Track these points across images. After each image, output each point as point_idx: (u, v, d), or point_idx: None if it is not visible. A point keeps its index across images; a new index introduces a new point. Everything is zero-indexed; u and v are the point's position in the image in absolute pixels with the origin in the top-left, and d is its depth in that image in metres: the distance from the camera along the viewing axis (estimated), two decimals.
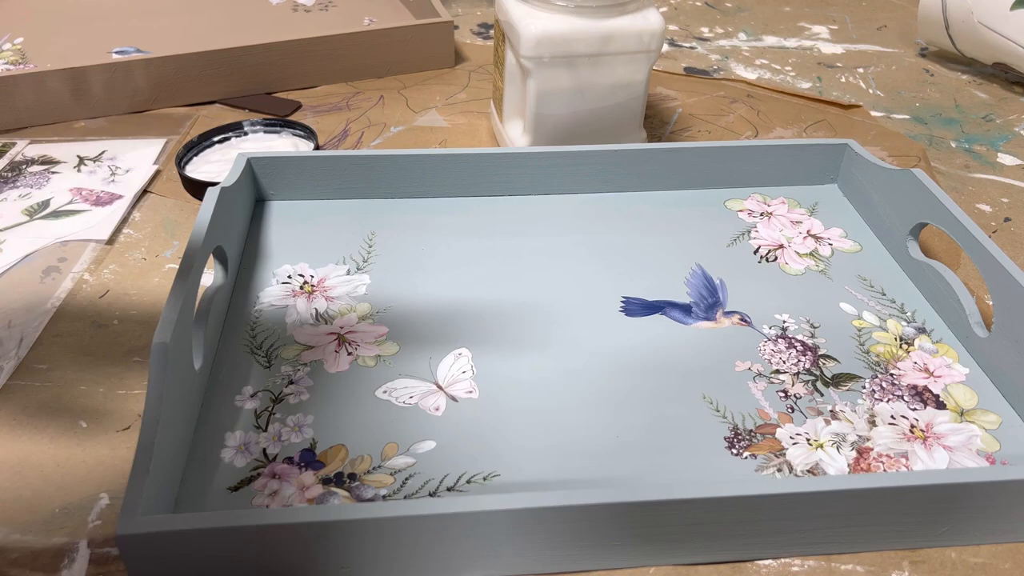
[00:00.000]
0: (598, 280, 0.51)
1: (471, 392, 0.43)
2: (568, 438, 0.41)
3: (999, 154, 0.67)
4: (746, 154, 0.59)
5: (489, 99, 0.72)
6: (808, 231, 0.56)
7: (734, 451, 0.40)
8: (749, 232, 0.56)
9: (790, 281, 0.52)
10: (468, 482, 0.38)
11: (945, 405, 0.43)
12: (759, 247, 0.54)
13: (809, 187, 0.60)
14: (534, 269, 0.52)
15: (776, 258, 0.53)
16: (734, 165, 0.59)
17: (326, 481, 0.38)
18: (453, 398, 0.43)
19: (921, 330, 0.48)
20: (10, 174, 0.61)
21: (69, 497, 0.38)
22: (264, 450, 0.39)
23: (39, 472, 0.39)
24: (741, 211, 0.58)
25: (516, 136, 0.62)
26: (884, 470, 0.40)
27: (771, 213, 0.57)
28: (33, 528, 0.36)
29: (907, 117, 0.72)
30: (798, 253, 0.54)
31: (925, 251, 0.53)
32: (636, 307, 0.49)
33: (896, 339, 0.47)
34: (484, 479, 0.38)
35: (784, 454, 0.40)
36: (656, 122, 0.70)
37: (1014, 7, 0.72)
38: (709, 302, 0.49)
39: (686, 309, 0.49)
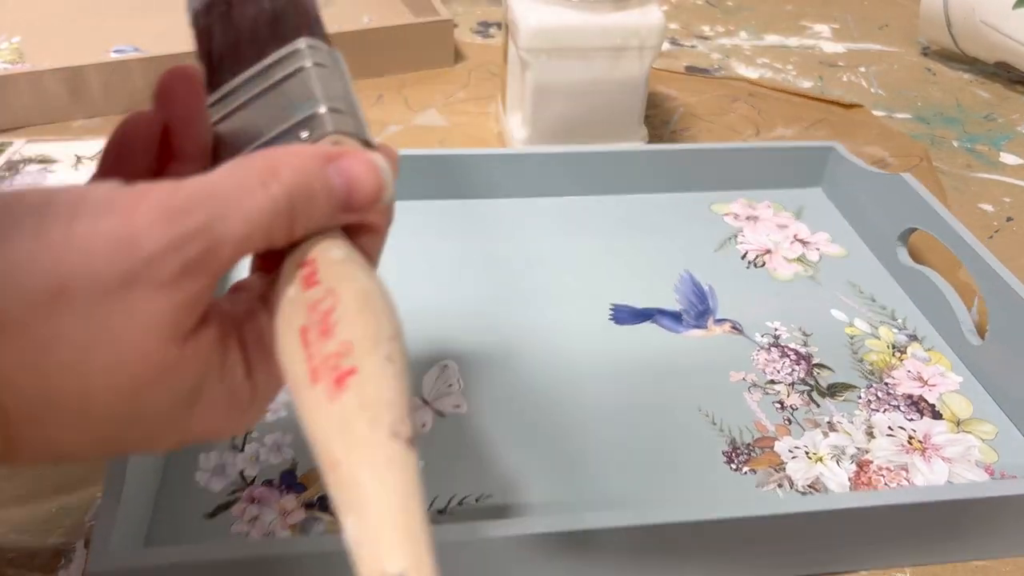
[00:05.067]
0: (586, 286, 0.49)
1: (459, 407, 0.41)
2: (561, 455, 0.39)
3: (1001, 153, 0.67)
4: (731, 156, 0.58)
5: (489, 99, 0.71)
6: (795, 235, 0.55)
7: (733, 466, 0.39)
8: (736, 236, 0.54)
9: (780, 287, 0.51)
10: (460, 504, 0.36)
11: (941, 415, 0.43)
12: (746, 252, 0.53)
13: (794, 190, 0.59)
14: (520, 275, 0.50)
15: (764, 263, 0.52)
16: (719, 167, 0.58)
17: (309, 505, 0.36)
18: (440, 413, 0.41)
19: (913, 337, 0.47)
20: (7, 173, 0.60)
21: (66, 497, 0.36)
22: (241, 472, 0.37)
23: (36, 472, 0.37)
24: (727, 215, 0.56)
25: (515, 129, 0.61)
26: (885, 483, 0.39)
27: (757, 217, 0.56)
28: (30, 528, 0.35)
29: (909, 117, 0.72)
30: (786, 258, 0.53)
31: (921, 254, 0.52)
32: (626, 315, 0.47)
33: (888, 347, 0.47)
34: (476, 500, 0.37)
35: (784, 468, 0.39)
36: (657, 121, 0.69)
37: (1016, 6, 0.72)
38: (699, 309, 0.48)
39: (676, 317, 0.47)
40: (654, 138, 0.65)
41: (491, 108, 0.70)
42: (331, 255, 0.21)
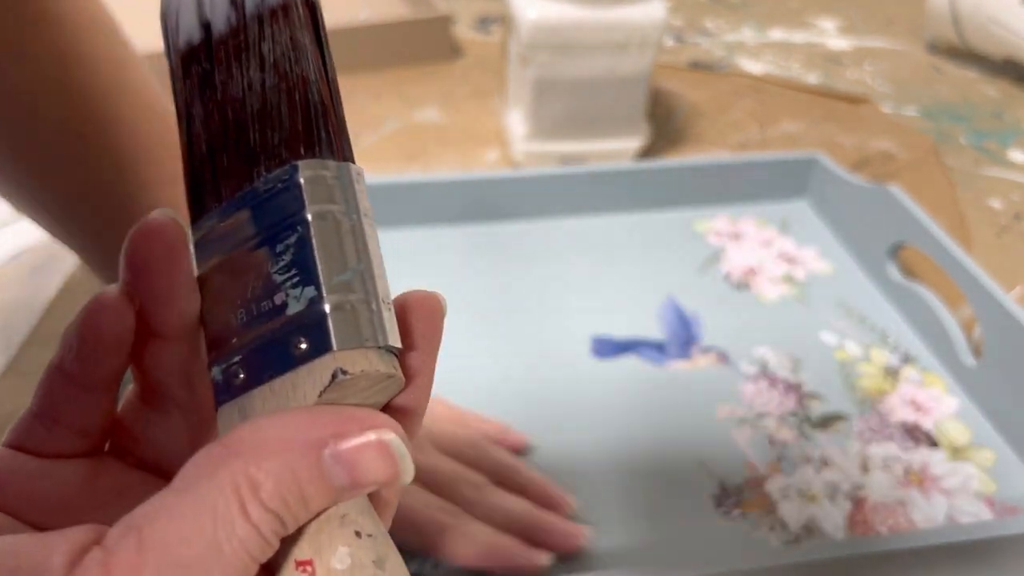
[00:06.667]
0: (564, 318, 0.47)
1: None
2: None
3: (1009, 151, 0.65)
4: (710, 172, 0.56)
5: (489, 95, 0.70)
6: (780, 253, 0.53)
7: (723, 510, 0.37)
8: (719, 256, 0.53)
9: (766, 310, 0.49)
10: (435, 567, 0.34)
11: (938, 443, 0.41)
12: (731, 272, 0.51)
13: (777, 204, 0.57)
14: (493, 308, 0.48)
15: (749, 284, 0.50)
16: (698, 183, 0.56)
17: None
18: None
19: (906, 359, 0.46)
20: None
21: None
22: None
23: None
24: (709, 233, 0.54)
25: (516, 125, 0.60)
26: (882, 521, 0.37)
27: (740, 234, 0.54)
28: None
29: (916, 114, 0.70)
30: (772, 279, 0.51)
31: (915, 267, 0.50)
32: (606, 348, 0.45)
33: (881, 370, 0.45)
34: None
35: (776, 510, 0.37)
36: (661, 118, 0.67)
37: None
38: (683, 337, 0.46)
39: (659, 347, 0.45)
40: (658, 135, 0.64)
41: (491, 105, 0.68)
42: (334, 565, 0.16)
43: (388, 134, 0.65)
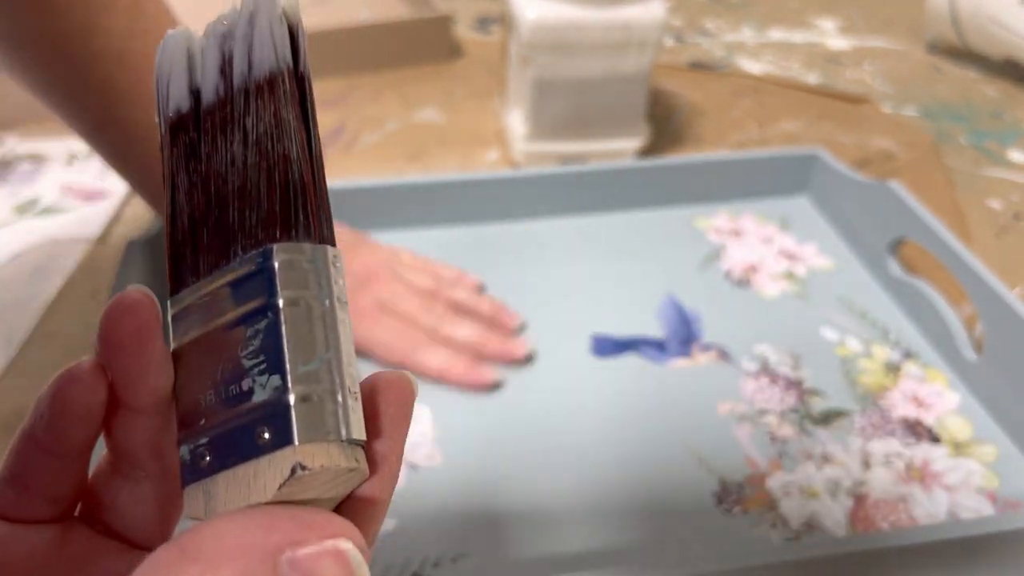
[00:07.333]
0: (564, 316, 0.47)
1: (432, 457, 0.39)
2: (542, 506, 0.37)
3: (1009, 151, 0.65)
4: (711, 168, 0.56)
5: (489, 95, 0.70)
6: (780, 250, 0.53)
7: (724, 507, 0.37)
8: (719, 253, 0.52)
9: (767, 307, 0.48)
10: (435, 566, 0.34)
11: (939, 438, 0.41)
12: (731, 269, 0.51)
13: (778, 200, 0.57)
14: None
15: (750, 281, 0.50)
16: (699, 180, 0.56)
17: None
18: (413, 466, 0.39)
19: (907, 354, 0.45)
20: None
21: None
22: None
23: None
24: (709, 230, 0.54)
25: (516, 125, 0.60)
26: (884, 518, 0.37)
27: (740, 231, 0.54)
28: None
29: (916, 114, 0.70)
30: (772, 275, 0.51)
31: (915, 263, 0.50)
32: (607, 345, 0.45)
33: (882, 366, 0.45)
34: (453, 560, 0.35)
35: (777, 507, 0.37)
36: (661, 117, 0.67)
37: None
38: (684, 335, 0.46)
39: (659, 345, 0.45)
40: (658, 135, 0.64)
41: (491, 105, 0.68)
42: None
43: (388, 134, 0.65)
